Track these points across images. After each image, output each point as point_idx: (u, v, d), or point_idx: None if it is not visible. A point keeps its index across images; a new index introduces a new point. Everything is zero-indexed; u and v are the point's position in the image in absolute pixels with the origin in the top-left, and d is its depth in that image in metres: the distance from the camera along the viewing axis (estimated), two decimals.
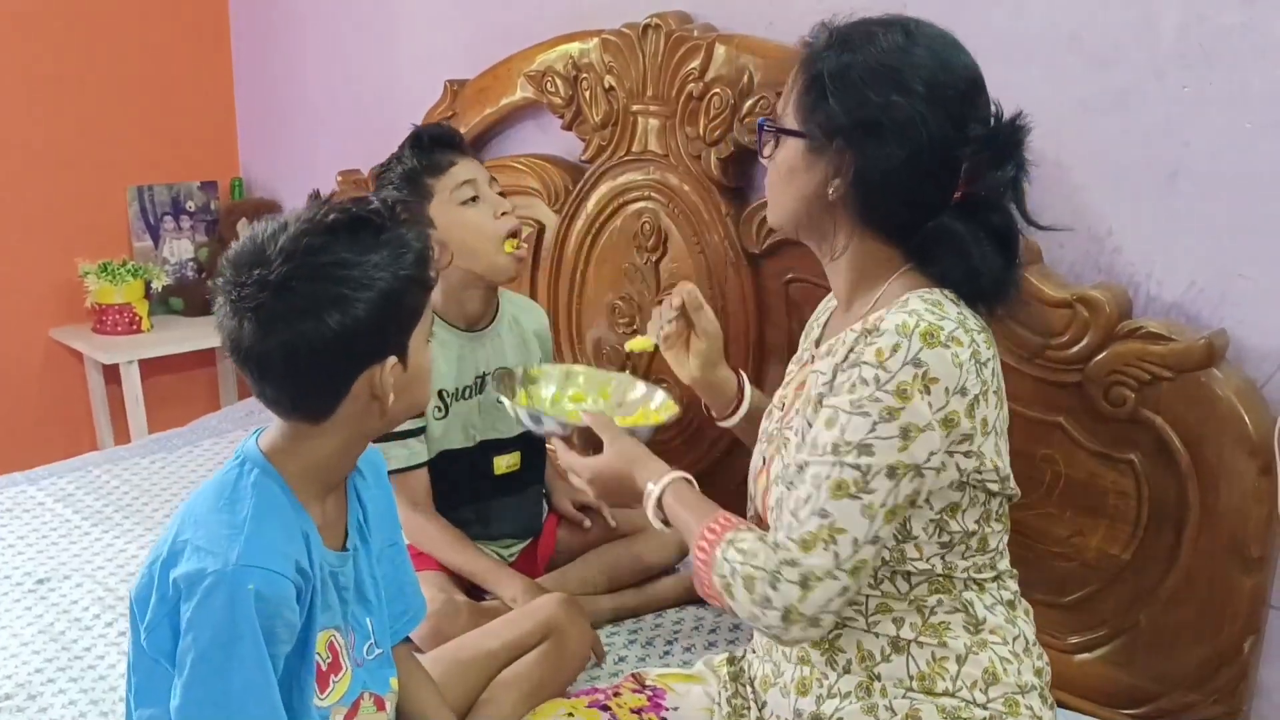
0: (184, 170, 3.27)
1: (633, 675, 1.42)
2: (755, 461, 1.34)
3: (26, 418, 3.08)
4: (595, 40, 2.15)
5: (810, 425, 1.15)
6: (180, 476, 2.43)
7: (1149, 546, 1.53)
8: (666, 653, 1.74)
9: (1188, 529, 1.49)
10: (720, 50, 1.95)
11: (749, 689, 1.32)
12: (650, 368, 2.05)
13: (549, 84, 2.24)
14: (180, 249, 3.27)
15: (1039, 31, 1.58)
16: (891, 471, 1.08)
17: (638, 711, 1.32)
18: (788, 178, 1.19)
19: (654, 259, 2.13)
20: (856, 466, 1.08)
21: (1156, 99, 1.50)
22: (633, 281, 2.18)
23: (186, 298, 3.20)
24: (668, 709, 1.34)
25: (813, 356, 1.27)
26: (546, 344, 2.02)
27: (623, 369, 1.82)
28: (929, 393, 1.07)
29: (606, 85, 2.13)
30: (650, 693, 1.37)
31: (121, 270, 3.00)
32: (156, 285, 3.10)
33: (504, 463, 1.91)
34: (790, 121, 1.18)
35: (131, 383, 2.92)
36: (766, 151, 1.22)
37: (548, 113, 2.30)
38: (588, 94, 2.17)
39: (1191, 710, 1.51)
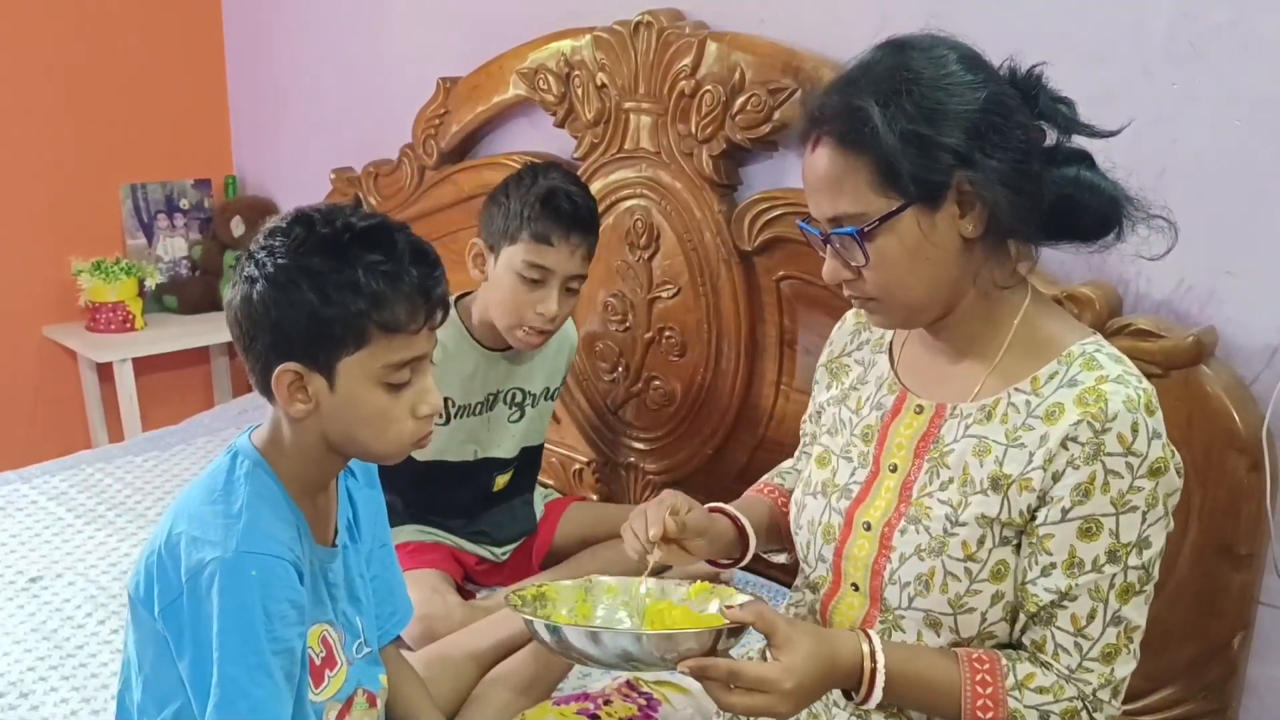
0: (177, 168, 3.26)
1: (627, 681, 1.42)
2: (823, 516, 1.20)
3: (20, 416, 3.08)
4: (587, 37, 2.15)
5: (967, 497, 1.08)
6: (174, 475, 2.43)
7: None
8: None
9: (1177, 526, 1.48)
10: (712, 47, 1.94)
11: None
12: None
13: (541, 81, 2.24)
14: (174, 247, 3.27)
15: (1030, 30, 1.58)
16: (1162, 551, 1.06)
17: None
18: (913, 257, 1.06)
19: (646, 256, 2.13)
20: (1140, 567, 1.05)
21: (1145, 97, 1.50)
22: (625, 279, 2.18)
23: (180, 296, 3.20)
24: None
25: (920, 408, 1.16)
26: (572, 359, 2.04)
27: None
28: (1174, 454, 1.06)
29: (598, 83, 2.13)
30: (644, 700, 1.37)
31: (115, 268, 2.99)
32: (150, 283, 3.10)
33: (502, 480, 1.93)
34: (883, 206, 1.05)
35: (125, 381, 2.92)
36: (861, 258, 1.07)
37: (540, 110, 2.30)
38: (580, 91, 2.17)
39: (1181, 706, 1.52)
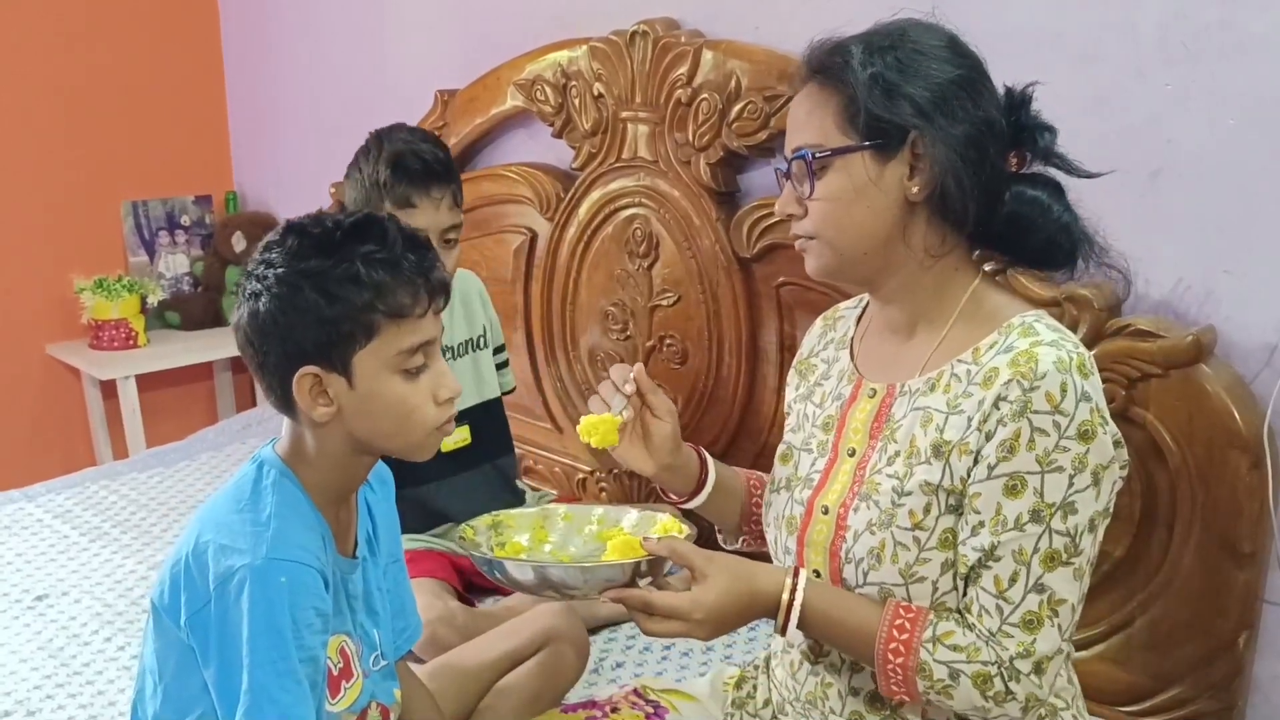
0: (178, 185, 3.28)
1: (635, 690, 1.42)
2: (786, 509, 1.22)
3: (24, 434, 3.09)
4: (584, 48, 2.16)
5: (912, 468, 1.09)
6: (178, 491, 2.44)
7: (1142, 544, 1.53)
8: (664, 658, 1.74)
9: (1180, 525, 1.49)
10: (708, 56, 1.95)
11: None
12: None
13: (538, 92, 2.25)
14: (176, 263, 3.28)
15: (1022, 30, 1.59)
16: (1092, 524, 1.04)
17: None
18: (855, 199, 1.10)
19: (646, 265, 2.14)
20: (1064, 532, 1.03)
21: (1139, 97, 1.51)
22: (625, 288, 2.18)
23: (183, 312, 3.20)
24: None
25: (873, 391, 1.18)
26: (488, 304, 2.06)
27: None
28: (1106, 422, 1.04)
29: (595, 92, 2.14)
30: (651, 708, 1.37)
31: (117, 285, 3.01)
32: (152, 300, 3.11)
33: (450, 439, 1.90)
34: (841, 142, 1.10)
35: (129, 398, 2.93)
36: (808, 189, 1.12)
37: (538, 121, 2.31)
38: (577, 101, 2.18)
39: (1188, 706, 1.51)
